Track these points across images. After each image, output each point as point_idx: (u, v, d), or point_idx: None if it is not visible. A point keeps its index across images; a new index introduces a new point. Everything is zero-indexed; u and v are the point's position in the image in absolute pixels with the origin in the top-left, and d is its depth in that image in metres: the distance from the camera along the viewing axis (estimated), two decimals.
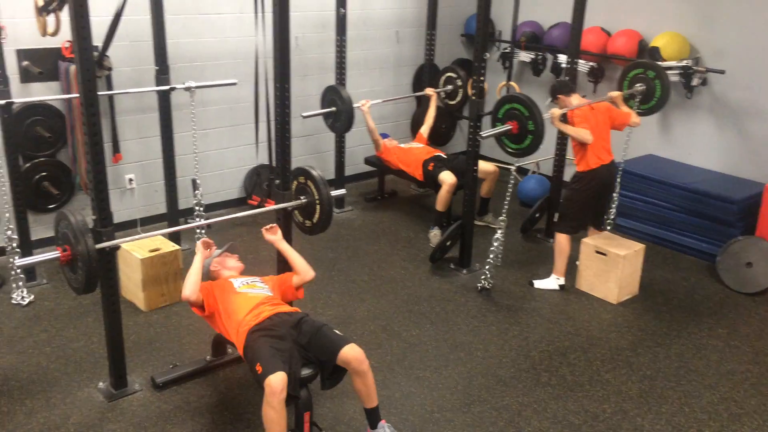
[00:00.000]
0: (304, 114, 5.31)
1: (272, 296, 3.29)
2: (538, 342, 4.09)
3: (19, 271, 4.30)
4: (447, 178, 5.30)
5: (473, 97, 4.62)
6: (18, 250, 4.30)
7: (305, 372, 2.95)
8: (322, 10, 5.89)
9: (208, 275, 3.45)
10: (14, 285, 4.30)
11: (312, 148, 6.27)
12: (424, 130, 6.04)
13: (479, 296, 4.59)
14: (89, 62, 2.98)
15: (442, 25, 6.67)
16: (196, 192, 4.95)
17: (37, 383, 3.52)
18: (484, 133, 4.42)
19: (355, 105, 5.43)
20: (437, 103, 6.25)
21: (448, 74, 6.36)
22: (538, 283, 4.77)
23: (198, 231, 4.98)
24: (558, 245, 4.68)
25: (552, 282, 4.73)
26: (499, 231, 4.56)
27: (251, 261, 4.72)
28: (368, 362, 2.97)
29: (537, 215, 5.57)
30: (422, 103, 6.74)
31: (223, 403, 3.43)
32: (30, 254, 4.44)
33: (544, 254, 5.23)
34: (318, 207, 3.49)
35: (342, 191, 4.16)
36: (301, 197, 3.55)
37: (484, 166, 5.40)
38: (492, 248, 4.56)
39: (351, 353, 2.94)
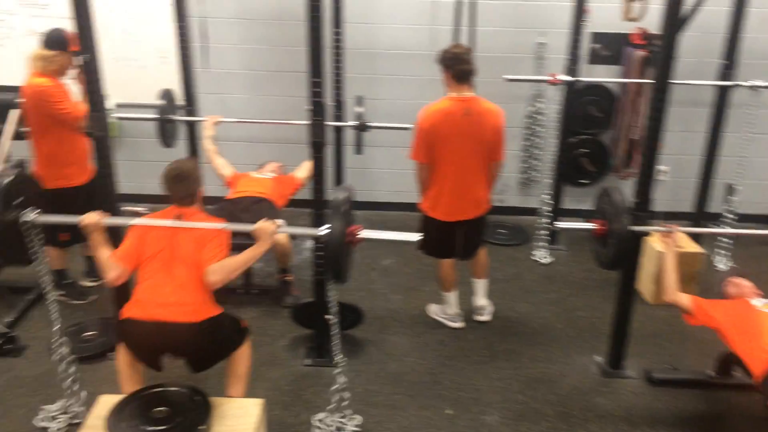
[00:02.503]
0: None
1: None
2: None
3: (545, 232, 4.75)
4: None
5: None
6: (550, 214, 4.74)
7: None
8: None
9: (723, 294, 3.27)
10: (538, 244, 4.77)
11: None
12: None
13: None
14: (670, 49, 2.98)
15: None
16: (731, 198, 4.62)
17: (542, 335, 3.86)
18: None
19: None
20: None
21: None
22: None
23: (722, 239, 4.69)
24: None
25: None
26: None
27: None
28: None
29: None
30: None
31: (718, 423, 3.19)
32: (556, 221, 4.85)
33: None
34: None
35: None
36: None
37: None
38: None
39: None
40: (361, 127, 4.55)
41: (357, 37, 4.98)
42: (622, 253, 3.13)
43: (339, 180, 5.00)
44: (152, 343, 2.67)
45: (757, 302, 3.03)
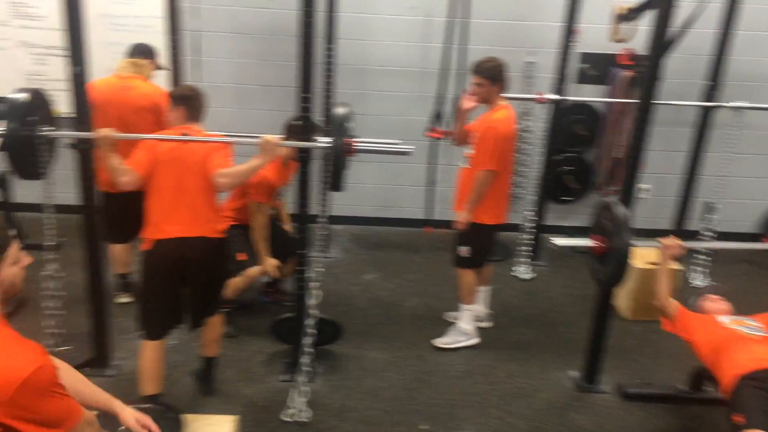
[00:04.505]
0: None
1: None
2: None
3: (527, 248, 4.82)
4: None
5: None
6: (533, 230, 4.81)
7: None
8: None
9: (695, 308, 3.31)
10: (520, 260, 4.83)
11: None
12: None
13: None
14: (656, 71, 3.06)
15: None
16: (710, 216, 4.70)
17: (519, 350, 3.91)
18: None
19: None
20: None
21: None
22: None
23: (699, 256, 4.78)
24: None
25: None
26: None
27: (748, 304, 4.25)
28: None
29: None
30: None
31: None
32: (539, 235, 4.93)
33: None
34: None
35: None
36: None
37: None
38: None
39: None
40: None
41: (348, 53, 5.05)
42: (622, 270, 3.12)
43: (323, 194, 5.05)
44: (174, 259, 2.93)
45: (725, 319, 3.10)
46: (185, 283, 3.04)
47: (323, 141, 3.05)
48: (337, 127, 3.04)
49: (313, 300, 3.27)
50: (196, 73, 4.83)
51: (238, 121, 5.15)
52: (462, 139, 3.82)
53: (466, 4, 4.61)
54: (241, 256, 3.80)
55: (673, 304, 3.14)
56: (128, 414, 1.98)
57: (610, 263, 3.11)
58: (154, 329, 3.04)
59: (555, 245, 3.25)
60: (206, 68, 4.99)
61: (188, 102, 3.08)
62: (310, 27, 3.05)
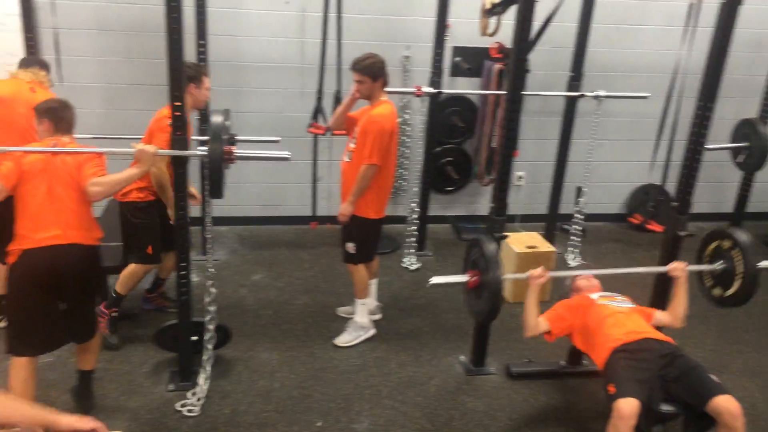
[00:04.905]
0: (708, 146, 4.87)
1: (635, 308, 3.19)
2: None
3: (413, 239, 4.91)
4: None
5: None
6: (418, 221, 4.91)
7: (664, 408, 2.79)
8: (762, 28, 5.31)
9: (569, 288, 3.53)
10: (407, 251, 4.92)
11: (709, 176, 5.74)
12: None
13: None
14: (522, 63, 3.20)
15: None
16: (580, 200, 4.99)
17: (410, 340, 3.98)
18: None
19: None
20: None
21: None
22: None
23: (572, 238, 5.06)
24: None
25: None
26: None
27: (620, 280, 4.55)
28: (744, 421, 2.66)
29: None
30: None
31: (570, 412, 3.41)
32: (424, 226, 5.05)
33: None
34: (738, 281, 3.25)
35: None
36: (719, 262, 3.34)
37: None
38: None
39: (725, 404, 2.67)
40: (229, 141, 4.49)
41: (222, 50, 4.92)
42: (496, 304, 3.09)
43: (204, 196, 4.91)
44: (45, 268, 2.78)
45: (595, 296, 3.31)
46: (58, 297, 2.86)
47: (201, 149, 3.00)
48: (216, 135, 2.94)
49: (208, 297, 3.24)
50: (57, 72, 4.54)
51: (107, 122, 4.89)
52: (341, 124, 3.82)
53: None
54: (149, 250, 3.70)
55: (543, 323, 3.21)
56: (64, 423, 1.88)
57: (484, 297, 3.12)
58: (26, 346, 2.84)
59: (432, 283, 3.21)
60: (70, 68, 4.70)
61: (53, 114, 3.01)
62: (178, 22, 2.95)
